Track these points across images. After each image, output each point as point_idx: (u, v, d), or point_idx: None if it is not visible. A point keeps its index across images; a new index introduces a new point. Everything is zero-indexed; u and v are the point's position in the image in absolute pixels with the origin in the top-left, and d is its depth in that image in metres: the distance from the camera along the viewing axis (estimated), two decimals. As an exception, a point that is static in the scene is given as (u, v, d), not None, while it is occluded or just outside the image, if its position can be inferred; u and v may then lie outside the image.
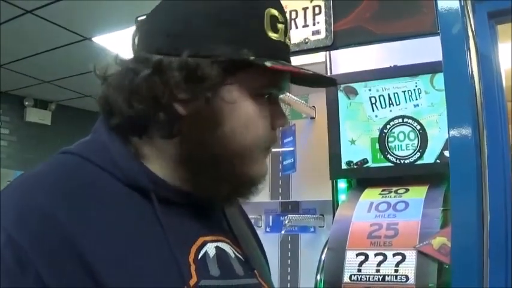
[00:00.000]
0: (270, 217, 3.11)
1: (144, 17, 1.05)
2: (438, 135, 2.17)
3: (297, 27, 2.19)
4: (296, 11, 2.19)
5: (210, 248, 0.99)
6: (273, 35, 0.99)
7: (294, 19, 2.20)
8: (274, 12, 1.00)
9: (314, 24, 2.16)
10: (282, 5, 1.03)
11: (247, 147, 1.00)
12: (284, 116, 1.06)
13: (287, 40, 1.03)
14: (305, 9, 2.19)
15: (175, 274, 0.90)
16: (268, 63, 0.94)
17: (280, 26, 1.01)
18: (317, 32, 2.15)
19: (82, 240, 0.83)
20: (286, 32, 1.02)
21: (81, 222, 0.85)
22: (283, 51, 1.02)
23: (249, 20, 0.98)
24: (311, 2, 2.17)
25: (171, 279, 0.89)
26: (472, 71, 1.67)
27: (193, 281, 0.91)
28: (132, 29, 1.08)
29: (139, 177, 0.95)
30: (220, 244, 1.03)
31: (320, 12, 2.15)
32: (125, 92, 0.95)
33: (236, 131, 0.98)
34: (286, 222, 2.85)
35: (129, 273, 0.86)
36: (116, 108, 0.97)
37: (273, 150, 3.08)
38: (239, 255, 1.07)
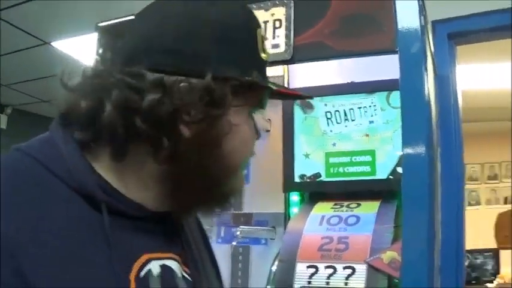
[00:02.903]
0: (222, 228, 3.11)
1: (105, 23, 1.03)
2: (392, 151, 2.21)
3: (256, 40, 2.20)
4: (257, 24, 2.21)
5: (155, 266, 0.97)
6: (263, 56, 1.02)
7: (254, 31, 2.21)
8: (262, 31, 1.02)
9: (274, 38, 2.17)
10: None
11: (240, 165, 1.03)
12: (261, 130, 1.09)
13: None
14: (265, 22, 2.20)
15: None
16: (272, 86, 1.00)
17: (265, 45, 1.04)
18: (276, 46, 2.17)
19: (18, 249, 0.80)
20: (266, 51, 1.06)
21: (19, 230, 0.82)
22: (266, 70, 1.06)
23: (250, 40, 0.99)
24: (272, 15, 2.19)
25: None
26: (428, 91, 1.70)
27: None
28: (93, 35, 1.07)
29: (92, 186, 0.91)
30: (167, 262, 1.01)
31: (280, 26, 2.17)
32: (125, 112, 0.91)
33: (235, 151, 1.00)
34: (238, 233, 2.84)
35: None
36: (105, 125, 0.92)
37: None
38: (187, 276, 1.06)
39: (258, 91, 1.02)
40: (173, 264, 1.02)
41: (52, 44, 5.45)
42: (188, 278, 1.05)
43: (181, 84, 0.90)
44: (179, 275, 1.02)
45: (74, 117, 0.97)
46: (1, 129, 8.29)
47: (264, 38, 1.03)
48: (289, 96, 1.23)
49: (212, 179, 1.00)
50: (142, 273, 0.93)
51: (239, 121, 0.99)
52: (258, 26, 1.03)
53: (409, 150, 1.58)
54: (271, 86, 1.01)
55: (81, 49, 5.21)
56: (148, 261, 0.96)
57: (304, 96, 1.19)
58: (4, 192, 0.85)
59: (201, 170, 0.98)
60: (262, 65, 1.02)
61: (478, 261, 7.74)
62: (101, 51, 1.03)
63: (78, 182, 0.91)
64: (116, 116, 0.91)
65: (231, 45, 0.95)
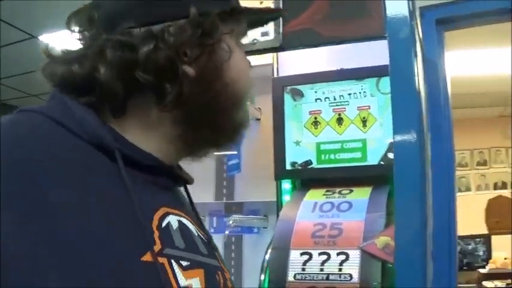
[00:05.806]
0: (214, 218, 3.11)
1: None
2: (382, 137, 2.21)
3: (245, 28, 2.19)
4: (245, 12, 2.20)
5: (173, 220, 0.95)
6: None
7: (243, 19, 2.20)
8: None
9: (263, 26, 2.17)
10: None
11: (243, 95, 1.05)
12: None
13: None
14: (254, 10, 2.19)
15: (139, 238, 0.83)
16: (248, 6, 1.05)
17: None
18: (266, 34, 2.16)
19: (48, 188, 0.78)
20: None
21: (47, 175, 0.79)
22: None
23: None
24: (261, 3, 2.18)
25: (134, 243, 0.83)
26: (418, 76, 1.69)
27: (157, 247, 0.86)
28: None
29: (104, 136, 0.90)
30: (182, 219, 0.99)
31: (269, 13, 2.16)
32: (123, 69, 0.92)
33: (236, 78, 1.02)
34: (230, 222, 2.85)
35: (91, 234, 0.78)
36: (103, 86, 0.92)
37: (218, 151, 3.08)
38: (201, 235, 1.04)
39: (238, 17, 1.05)
40: (187, 223, 1.00)
41: (39, 37, 5.41)
42: (203, 238, 1.04)
43: (170, 28, 0.94)
44: (195, 233, 1.01)
45: (69, 86, 0.96)
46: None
47: None
48: (261, 18, 1.23)
49: (221, 112, 1.03)
50: (163, 224, 0.92)
51: (232, 49, 1.02)
52: None
53: (400, 137, 1.57)
54: (248, 7, 1.05)
55: (70, 42, 5.17)
56: (167, 213, 0.95)
57: (275, 10, 1.19)
58: (20, 145, 0.83)
59: (211, 104, 1.00)
60: None
61: (470, 247, 7.76)
62: (77, 28, 1.07)
63: (90, 132, 0.90)
64: (112, 75, 0.92)
65: None
